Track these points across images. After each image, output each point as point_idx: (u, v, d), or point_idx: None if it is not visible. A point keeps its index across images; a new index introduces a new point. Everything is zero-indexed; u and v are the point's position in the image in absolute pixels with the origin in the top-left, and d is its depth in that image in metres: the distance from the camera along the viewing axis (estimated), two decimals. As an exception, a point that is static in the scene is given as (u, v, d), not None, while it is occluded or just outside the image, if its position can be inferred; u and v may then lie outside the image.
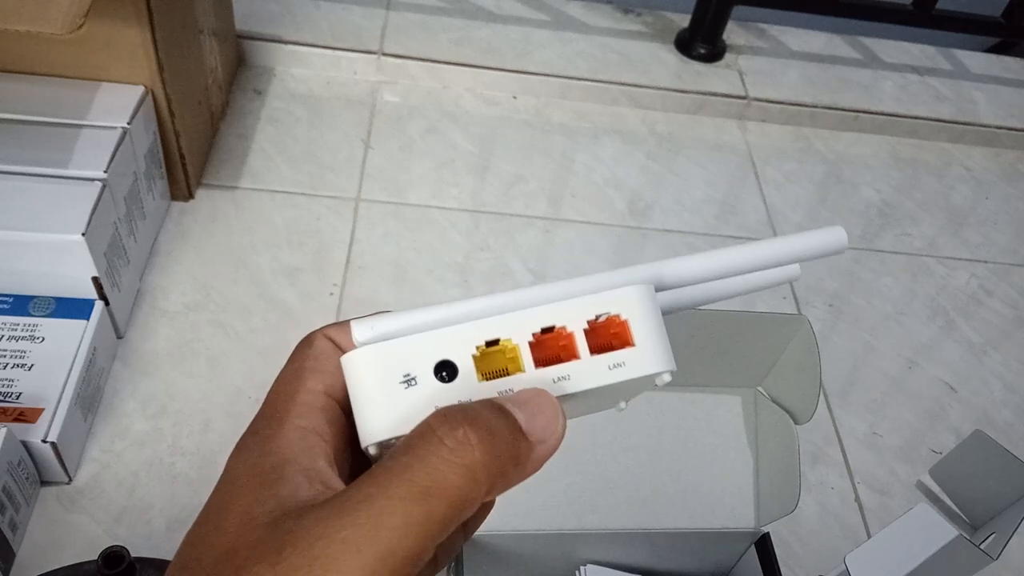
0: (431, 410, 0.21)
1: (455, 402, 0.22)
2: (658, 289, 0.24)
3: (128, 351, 0.60)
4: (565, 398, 0.23)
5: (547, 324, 0.23)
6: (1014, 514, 0.38)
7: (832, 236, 0.25)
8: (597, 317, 0.23)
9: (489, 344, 0.22)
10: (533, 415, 0.21)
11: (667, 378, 0.23)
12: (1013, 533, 0.36)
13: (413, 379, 0.22)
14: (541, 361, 0.22)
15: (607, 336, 0.23)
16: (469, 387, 0.22)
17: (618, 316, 0.23)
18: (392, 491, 0.20)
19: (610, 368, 0.23)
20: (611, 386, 0.23)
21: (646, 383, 0.24)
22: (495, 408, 0.21)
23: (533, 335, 0.23)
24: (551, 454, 0.21)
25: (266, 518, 0.20)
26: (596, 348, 0.23)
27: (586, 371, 0.23)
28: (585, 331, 0.23)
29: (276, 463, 0.21)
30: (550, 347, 0.23)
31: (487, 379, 0.22)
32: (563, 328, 0.23)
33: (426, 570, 0.26)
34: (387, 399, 0.22)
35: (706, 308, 0.42)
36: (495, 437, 0.20)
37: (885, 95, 0.95)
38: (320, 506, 0.20)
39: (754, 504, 0.48)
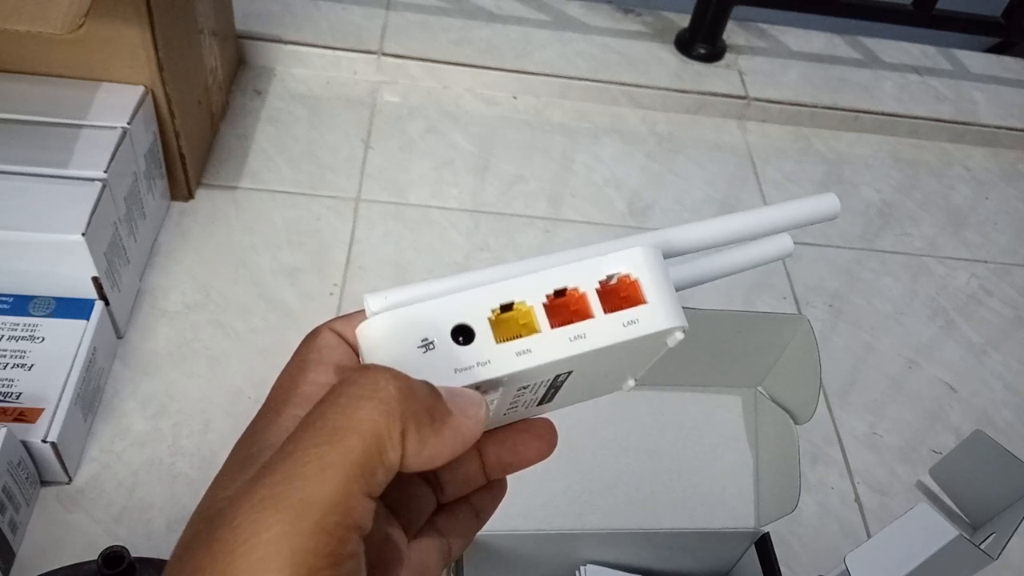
0: (450, 373, 0.21)
1: (474, 364, 0.22)
2: (664, 256, 0.25)
3: (128, 351, 0.60)
4: (580, 358, 0.23)
5: (559, 286, 0.23)
6: (1014, 514, 0.38)
7: (825, 201, 0.27)
8: (608, 278, 0.23)
9: (504, 308, 0.22)
10: (454, 393, 0.21)
11: (679, 336, 0.23)
12: (1013, 533, 0.36)
13: (431, 343, 0.22)
14: (557, 321, 0.23)
15: (619, 295, 0.23)
16: (487, 349, 0.22)
17: (628, 276, 0.23)
18: (305, 440, 0.19)
19: (624, 325, 0.23)
20: (626, 345, 0.23)
21: (658, 345, 0.24)
22: (418, 380, 0.21)
23: (547, 297, 0.23)
24: (471, 435, 0.21)
25: (221, 505, 0.19)
26: (609, 307, 0.23)
27: (601, 329, 0.23)
28: (597, 291, 0.23)
29: (256, 452, 0.21)
30: (564, 308, 0.23)
31: (504, 341, 0.22)
32: (575, 289, 0.23)
33: (437, 556, 0.26)
34: (406, 364, 0.21)
35: (706, 308, 0.42)
36: (412, 385, 0.20)
37: (885, 95, 0.95)
38: (248, 480, 0.19)
39: (754, 504, 0.48)
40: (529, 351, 0.22)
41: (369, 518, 0.19)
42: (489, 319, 0.22)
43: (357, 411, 0.19)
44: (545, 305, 0.23)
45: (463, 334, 0.22)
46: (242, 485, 0.19)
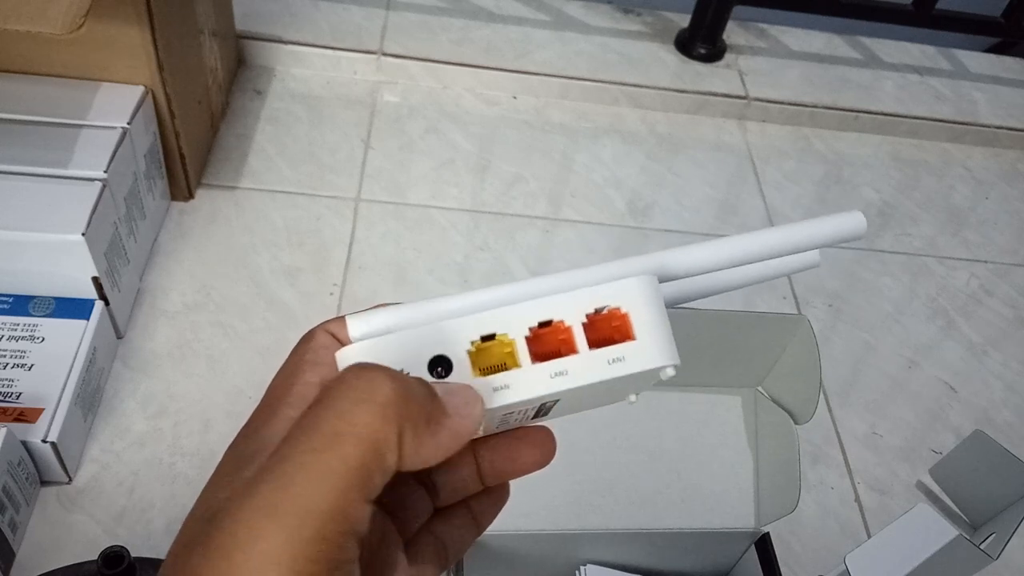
0: None
1: None
2: (663, 280, 0.24)
3: (128, 351, 0.60)
4: (561, 393, 0.22)
5: (545, 318, 0.22)
6: (1014, 514, 0.38)
7: (850, 221, 0.24)
8: (597, 310, 0.22)
9: (485, 339, 0.22)
10: (450, 392, 0.21)
11: (671, 372, 0.23)
12: (1013, 533, 0.36)
13: (407, 375, 0.21)
14: (538, 356, 0.22)
15: (607, 330, 0.22)
16: (464, 382, 0.21)
17: (619, 309, 0.22)
18: (302, 445, 0.19)
19: (609, 363, 0.22)
20: (611, 381, 0.22)
21: (651, 376, 0.23)
22: (413, 376, 0.21)
23: (530, 329, 0.22)
24: (467, 435, 0.21)
25: (217, 507, 0.19)
26: (595, 342, 0.22)
27: (584, 366, 0.22)
28: (584, 325, 0.22)
29: (254, 451, 0.21)
30: (548, 341, 0.22)
31: (483, 374, 0.22)
32: (561, 322, 0.22)
33: (433, 561, 0.26)
34: None
35: (706, 308, 0.42)
36: (408, 386, 0.20)
37: (885, 95, 0.95)
38: (245, 482, 0.19)
39: (754, 504, 0.48)
40: (507, 387, 0.22)
41: (366, 522, 0.19)
42: (469, 351, 0.22)
43: (354, 416, 0.19)
44: (528, 338, 0.22)
45: (441, 365, 0.22)
46: (239, 487, 0.19)
